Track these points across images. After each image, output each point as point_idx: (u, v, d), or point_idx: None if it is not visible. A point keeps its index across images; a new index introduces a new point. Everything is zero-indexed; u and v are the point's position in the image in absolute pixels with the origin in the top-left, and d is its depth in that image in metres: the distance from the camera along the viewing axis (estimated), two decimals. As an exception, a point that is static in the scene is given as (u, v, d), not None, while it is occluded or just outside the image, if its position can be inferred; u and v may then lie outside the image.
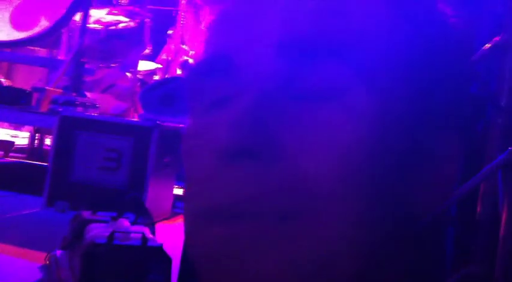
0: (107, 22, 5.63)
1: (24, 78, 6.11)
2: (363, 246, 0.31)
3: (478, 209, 1.08)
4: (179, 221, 3.43)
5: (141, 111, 4.70)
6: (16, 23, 4.82)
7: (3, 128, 6.49)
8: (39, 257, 2.16)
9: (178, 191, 3.90)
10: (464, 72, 0.35)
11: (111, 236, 1.67)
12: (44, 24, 4.84)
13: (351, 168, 0.30)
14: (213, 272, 0.32)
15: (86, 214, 2.05)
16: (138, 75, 5.33)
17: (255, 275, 0.30)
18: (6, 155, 5.01)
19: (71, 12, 4.77)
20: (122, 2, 5.64)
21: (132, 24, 5.60)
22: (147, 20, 5.60)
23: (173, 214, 3.45)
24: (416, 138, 0.33)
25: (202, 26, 6.31)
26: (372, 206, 0.31)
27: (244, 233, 0.30)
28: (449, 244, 1.29)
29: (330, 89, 0.31)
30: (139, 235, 1.72)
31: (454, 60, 0.34)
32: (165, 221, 3.19)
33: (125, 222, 1.85)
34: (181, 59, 6.17)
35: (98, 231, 1.76)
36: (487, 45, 1.16)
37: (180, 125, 3.74)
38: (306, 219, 0.29)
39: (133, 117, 4.79)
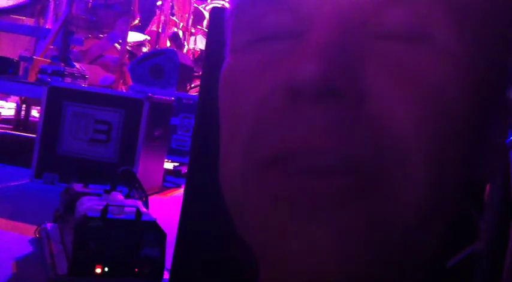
0: (96, -9, 5.53)
1: (9, 48, 5.99)
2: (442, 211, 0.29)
3: (488, 188, 1.06)
4: (170, 194, 3.41)
5: (130, 83, 4.63)
6: (2, -10, 4.71)
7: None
8: (29, 230, 2.13)
9: (168, 165, 3.88)
10: None
11: (105, 209, 1.64)
12: (30, -9, 4.73)
13: (440, 123, 0.28)
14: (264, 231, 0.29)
15: (78, 187, 2.01)
16: (127, 47, 5.24)
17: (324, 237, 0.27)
18: (-8, 126, 4.93)
19: (59, -20, 4.65)
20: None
21: (121, -6, 5.50)
22: (136, -10, 5.49)
23: (164, 188, 3.42)
24: (494, 93, 0.31)
25: (192, -2, 6.21)
26: (452, 166, 0.29)
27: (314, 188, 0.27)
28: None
29: (418, 28, 0.28)
30: (134, 209, 1.69)
31: None
32: (156, 195, 3.16)
33: (118, 196, 1.82)
34: (170, 31, 6.08)
35: (90, 204, 1.73)
36: None
37: (170, 98, 3.70)
38: (390, 179, 0.27)
39: (121, 89, 4.72)
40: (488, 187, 1.05)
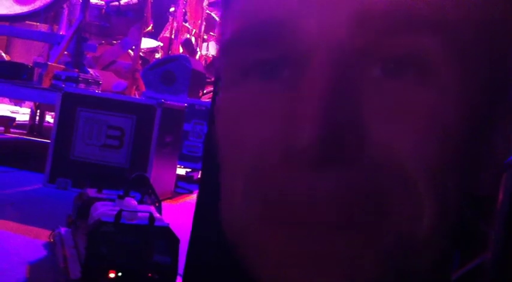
0: (109, -2, 5.57)
1: (22, 54, 6.06)
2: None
3: (499, 197, 1.06)
4: (182, 200, 3.42)
5: (143, 89, 4.66)
6: (17, -4, 4.76)
7: (3, 103, 6.44)
8: (43, 234, 2.15)
9: (180, 171, 3.89)
10: None
11: (119, 214, 1.66)
12: (45, -2, 4.78)
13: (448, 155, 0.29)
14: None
15: (91, 192, 2.03)
16: (139, 53, 5.28)
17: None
18: (6, 131, 4.98)
19: (73, -13, 4.70)
20: (124, -23, 5.57)
21: (134, 0, 5.54)
22: (149, -4, 5.53)
23: (176, 194, 3.44)
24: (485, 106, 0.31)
25: (205, 4, 6.24)
26: (455, 194, 0.30)
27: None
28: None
29: (416, 58, 0.28)
30: (147, 214, 1.71)
31: None
32: (168, 201, 3.18)
33: (131, 201, 1.84)
34: (183, 37, 6.12)
35: (104, 209, 1.74)
36: None
37: (182, 104, 3.72)
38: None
39: (134, 95, 4.75)
40: (497, 198, 1.05)
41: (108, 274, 1.64)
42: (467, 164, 0.30)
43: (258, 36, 0.29)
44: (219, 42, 0.33)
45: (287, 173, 0.28)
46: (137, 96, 4.61)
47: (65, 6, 5.32)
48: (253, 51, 0.30)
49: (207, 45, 6.29)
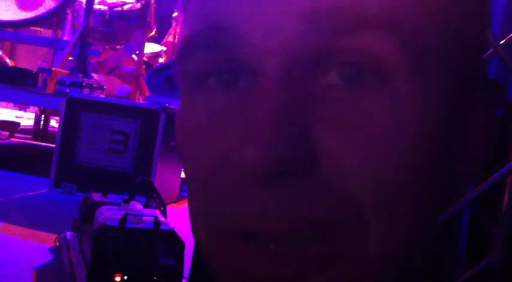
0: (112, 3, 5.59)
1: (26, 59, 6.08)
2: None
3: (505, 199, 1.07)
4: (186, 204, 3.42)
5: (147, 93, 4.68)
6: (21, 2, 4.78)
7: (8, 108, 6.46)
8: (48, 239, 2.16)
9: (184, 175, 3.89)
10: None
11: (124, 218, 1.66)
12: (48, 4, 4.80)
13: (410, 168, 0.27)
14: None
15: (96, 196, 2.04)
16: (143, 58, 5.30)
17: None
18: (11, 136, 5.00)
19: (77, -8, 4.73)
20: (128, -17, 5.59)
21: (137, 5, 5.55)
22: (152, 1, 5.55)
23: (180, 197, 3.44)
24: (452, 104, 0.29)
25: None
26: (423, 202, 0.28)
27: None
28: (464, 233, 1.29)
29: (369, 62, 0.26)
30: (152, 218, 1.71)
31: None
32: (173, 205, 3.19)
33: (137, 205, 1.84)
34: (186, 42, 6.12)
35: (109, 213, 1.75)
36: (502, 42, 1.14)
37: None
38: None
39: (138, 100, 4.77)
40: (504, 199, 1.05)
41: (114, 278, 1.64)
42: (433, 177, 0.28)
43: (211, 43, 0.28)
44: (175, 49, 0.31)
45: (236, 190, 0.27)
46: (141, 101, 4.63)
47: (68, 11, 5.34)
48: (207, 58, 0.28)
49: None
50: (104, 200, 1.98)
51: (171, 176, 3.37)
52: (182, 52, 0.30)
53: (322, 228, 0.26)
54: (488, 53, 1.16)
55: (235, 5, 0.27)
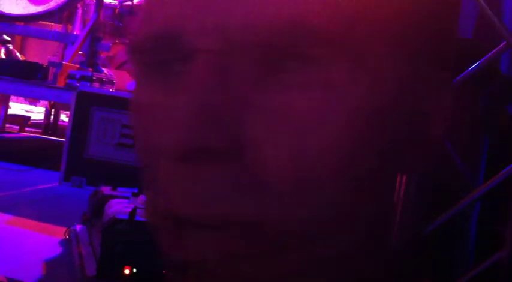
0: (122, -3, 5.60)
1: (37, 53, 6.11)
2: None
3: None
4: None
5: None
6: (32, -3, 4.80)
7: (18, 102, 6.51)
8: (59, 232, 2.17)
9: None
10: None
11: (134, 212, 1.67)
12: (59, -2, 4.82)
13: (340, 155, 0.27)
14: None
15: (106, 190, 2.05)
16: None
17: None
18: (21, 130, 5.03)
19: (87, -14, 4.74)
20: (138, -23, 5.60)
21: None
22: (162, -4, 5.56)
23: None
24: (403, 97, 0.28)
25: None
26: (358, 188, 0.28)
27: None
28: (473, 230, 1.28)
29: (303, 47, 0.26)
30: (161, 212, 1.72)
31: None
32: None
33: (146, 199, 1.85)
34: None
35: (119, 207, 1.76)
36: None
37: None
38: None
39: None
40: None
41: (123, 271, 1.65)
42: (361, 166, 0.27)
43: (155, 38, 0.29)
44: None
45: (161, 174, 0.27)
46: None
47: (78, 6, 5.36)
48: (151, 52, 0.29)
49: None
50: (114, 193, 1.98)
51: (181, 170, 3.38)
52: (133, 47, 0.31)
53: (232, 219, 0.26)
54: (500, 46, 1.15)
55: (179, 5, 0.28)
